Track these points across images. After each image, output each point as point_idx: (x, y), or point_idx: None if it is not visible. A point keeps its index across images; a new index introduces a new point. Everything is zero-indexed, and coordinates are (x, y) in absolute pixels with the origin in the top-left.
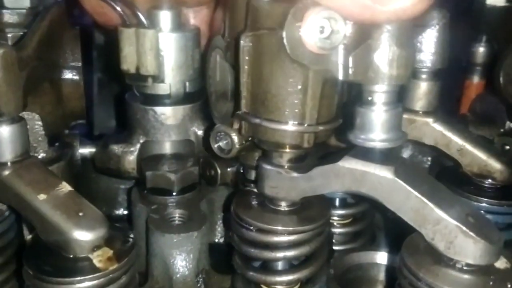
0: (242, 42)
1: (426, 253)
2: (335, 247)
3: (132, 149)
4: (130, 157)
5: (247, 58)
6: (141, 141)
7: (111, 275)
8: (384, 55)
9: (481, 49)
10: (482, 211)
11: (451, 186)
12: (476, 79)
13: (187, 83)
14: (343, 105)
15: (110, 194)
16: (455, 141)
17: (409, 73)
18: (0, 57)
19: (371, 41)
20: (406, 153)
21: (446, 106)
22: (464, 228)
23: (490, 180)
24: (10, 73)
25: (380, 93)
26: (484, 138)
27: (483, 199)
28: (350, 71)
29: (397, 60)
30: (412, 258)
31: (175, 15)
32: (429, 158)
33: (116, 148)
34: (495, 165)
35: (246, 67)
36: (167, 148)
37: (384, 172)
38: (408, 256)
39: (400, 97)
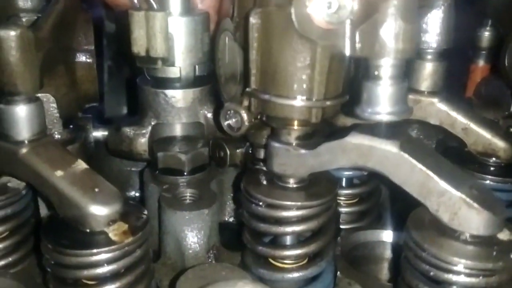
0: (251, 19)
1: (431, 226)
2: (342, 226)
3: (143, 131)
4: (142, 139)
5: (256, 35)
6: (152, 123)
7: (126, 248)
8: (390, 29)
9: (486, 33)
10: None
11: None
12: (481, 63)
13: (197, 66)
14: (350, 82)
15: (122, 176)
16: (460, 121)
17: (414, 47)
18: (17, 37)
19: (377, 15)
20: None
21: (452, 90)
22: (467, 199)
23: (494, 159)
24: (27, 53)
25: (386, 67)
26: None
27: (487, 176)
28: (357, 46)
29: (402, 34)
30: (417, 231)
31: None
32: (434, 141)
33: (128, 131)
34: (499, 143)
35: (255, 44)
36: (178, 130)
37: (389, 147)
38: (413, 229)
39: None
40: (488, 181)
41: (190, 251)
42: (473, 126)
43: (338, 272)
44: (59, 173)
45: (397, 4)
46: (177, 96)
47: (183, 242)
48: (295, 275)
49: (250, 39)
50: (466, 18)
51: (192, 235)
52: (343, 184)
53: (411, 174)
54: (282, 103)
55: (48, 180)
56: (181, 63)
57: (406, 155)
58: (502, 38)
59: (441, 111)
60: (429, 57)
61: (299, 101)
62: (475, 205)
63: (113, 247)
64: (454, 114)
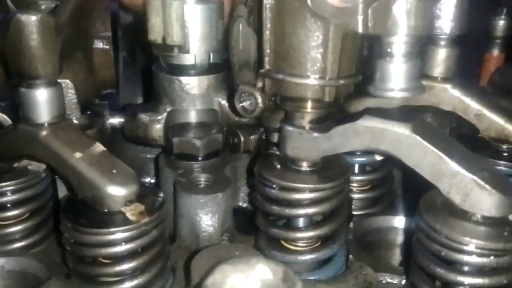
0: (264, 0)
1: (442, 207)
2: (354, 212)
3: (159, 117)
4: (157, 126)
5: (270, 15)
6: (168, 110)
7: (143, 227)
8: (402, 6)
9: (501, 22)
10: None
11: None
12: (496, 52)
13: (212, 54)
14: (363, 62)
15: (137, 163)
16: (472, 107)
17: (427, 24)
18: (38, 22)
19: None
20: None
21: (466, 79)
22: (479, 181)
23: (507, 145)
24: (47, 37)
25: (398, 44)
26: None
27: (501, 162)
28: (370, 24)
29: (415, 11)
30: (429, 212)
31: None
32: (448, 130)
33: (144, 117)
34: None
35: (269, 24)
36: (193, 116)
37: (402, 129)
38: (426, 210)
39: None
40: (501, 167)
41: (205, 234)
42: (486, 112)
43: (351, 256)
44: (78, 155)
45: None
46: (192, 83)
47: (197, 225)
48: (308, 257)
49: (263, 20)
50: (481, 7)
51: (207, 218)
52: (356, 170)
53: (424, 156)
54: (296, 82)
55: (67, 161)
56: (196, 50)
57: (418, 137)
58: None
59: (454, 97)
60: (442, 43)
61: (312, 80)
62: (487, 186)
63: (130, 226)
64: (467, 100)
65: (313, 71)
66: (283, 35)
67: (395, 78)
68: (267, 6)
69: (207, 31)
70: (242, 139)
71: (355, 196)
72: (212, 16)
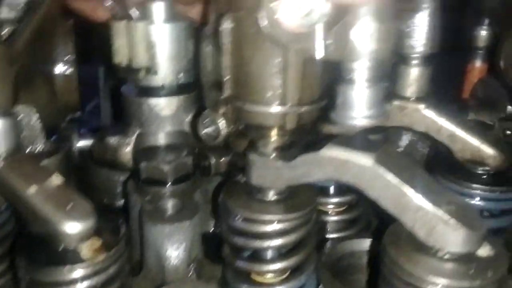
0: (223, 24)
1: (407, 241)
2: (330, 235)
3: (128, 140)
4: (126, 149)
5: (228, 40)
6: (137, 132)
7: (99, 265)
8: (363, 30)
9: (483, 33)
10: (477, 198)
11: (445, 172)
12: (478, 63)
13: (181, 74)
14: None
15: (110, 185)
16: (445, 127)
17: (390, 46)
18: None
19: (349, 17)
20: (405, 139)
21: (449, 92)
22: (444, 215)
23: (483, 167)
24: None
25: (360, 70)
26: (481, 123)
27: (477, 185)
28: (331, 49)
29: (376, 34)
30: (393, 246)
31: (168, 5)
32: (428, 145)
33: (112, 140)
34: (488, 150)
35: (227, 50)
36: (162, 139)
37: (364, 160)
38: (390, 244)
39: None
40: (477, 190)
41: (171, 265)
42: (460, 132)
43: (320, 285)
44: (32, 189)
45: (368, 4)
46: (161, 104)
47: (163, 255)
48: None
49: (222, 45)
50: (463, 17)
51: (173, 248)
52: (331, 192)
53: (386, 188)
54: (256, 110)
55: (21, 196)
56: (165, 71)
57: (381, 169)
58: (498, 37)
59: (427, 118)
60: (414, 62)
61: (273, 107)
62: (452, 221)
63: (85, 264)
64: (440, 120)
65: (274, 98)
66: (242, 62)
67: (357, 105)
68: (225, 31)
69: (175, 51)
70: (212, 162)
71: (330, 218)
72: (180, 35)
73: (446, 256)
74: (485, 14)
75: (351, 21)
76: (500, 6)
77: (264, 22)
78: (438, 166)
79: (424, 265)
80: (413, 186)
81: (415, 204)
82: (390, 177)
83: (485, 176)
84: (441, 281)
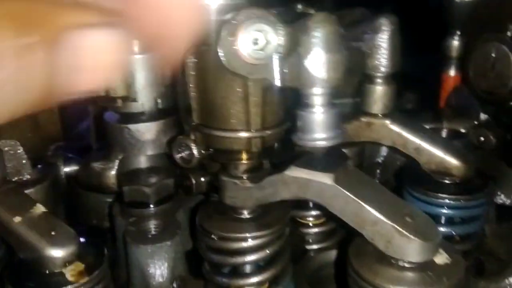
0: (187, 58)
1: (370, 252)
2: (310, 246)
3: (111, 165)
4: (110, 173)
5: (192, 73)
6: (120, 157)
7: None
8: (313, 60)
9: (455, 43)
10: (444, 207)
11: (413, 184)
12: (452, 72)
13: (159, 100)
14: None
15: (99, 207)
16: (411, 141)
17: (340, 75)
18: None
19: (300, 48)
20: (383, 152)
21: (428, 101)
22: (399, 228)
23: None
24: None
25: (315, 96)
26: (455, 131)
27: (443, 195)
28: (287, 78)
29: (326, 64)
30: (357, 257)
31: None
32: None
33: (97, 165)
34: (452, 161)
35: (192, 81)
36: (144, 162)
37: (325, 179)
38: (354, 255)
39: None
40: (444, 200)
41: (155, 283)
42: (425, 145)
43: None
44: (17, 218)
45: (318, 37)
46: (141, 130)
47: (147, 274)
48: None
49: (187, 77)
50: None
51: (156, 267)
52: (310, 205)
53: (346, 205)
54: (223, 136)
55: (7, 226)
56: (143, 98)
57: (340, 187)
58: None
59: (393, 132)
60: (377, 81)
61: (238, 133)
62: (405, 232)
63: (69, 287)
64: (405, 134)
65: (238, 124)
66: (206, 92)
67: (315, 128)
68: (189, 64)
69: (152, 80)
70: (193, 182)
71: (310, 230)
72: (156, 64)
73: (406, 265)
74: (455, 25)
75: (303, 52)
76: (467, 17)
77: (223, 56)
78: (408, 178)
79: (384, 275)
80: (370, 201)
81: (372, 218)
82: (349, 194)
83: (451, 186)
84: None
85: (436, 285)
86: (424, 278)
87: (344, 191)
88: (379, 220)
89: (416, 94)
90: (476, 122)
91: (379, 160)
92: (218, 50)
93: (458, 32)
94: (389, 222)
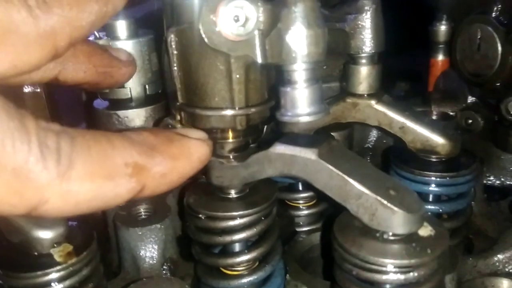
0: (169, 37)
1: (355, 227)
2: (301, 228)
3: None
4: None
5: (175, 52)
6: None
7: (71, 268)
8: (294, 36)
9: (442, 27)
10: (431, 185)
11: (400, 163)
12: (440, 57)
13: (147, 86)
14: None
15: None
16: (397, 120)
17: (321, 50)
18: None
19: (281, 24)
20: (372, 137)
21: (418, 85)
22: (382, 200)
23: (435, 155)
24: None
25: (297, 72)
26: (443, 114)
27: (429, 173)
28: (268, 54)
29: (306, 39)
30: (341, 231)
31: (130, 23)
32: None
33: None
34: (437, 139)
35: (175, 60)
36: None
37: (308, 154)
38: (338, 230)
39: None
40: (431, 177)
41: (145, 265)
42: (410, 124)
43: (287, 275)
44: None
45: (298, 12)
46: (130, 116)
47: (138, 257)
48: (243, 280)
49: (170, 57)
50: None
51: (146, 250)
52: (300, 187)
53: (330, 179)
54: (207, 114)
55: None
56: (131, 84)
57: (323, 162)
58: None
59: (379, 112)
60: (362, 61)
61: (222, 111)
62: (389, 205)
63: (57, 268)
64: (391, 114)
65: (222, 102)
66: (190, 70)
67: (298, 104)
68: (172, 43)
69: (139, 65)
70: None
71: (301, 212)
72: (143, 50)
73: (390, 238)
74: (440, 9)
75: (283, 27)
76: (455, 1)
77: (204, 33)
78: (394, 158)
79: (368, 248)
80: (354, 175)
81: (356, 192)
82: (332, 168)
83: (437, 164)
84: (382, 260)
85: (420, 257)
86: (408, 250)
87: (328, 165)
88: (363, 193)
89: (409, 84)
90: (464, 105)
91: (369, 145)
92: (199, 27)
93: (445, 17)
94: (373, 195)
